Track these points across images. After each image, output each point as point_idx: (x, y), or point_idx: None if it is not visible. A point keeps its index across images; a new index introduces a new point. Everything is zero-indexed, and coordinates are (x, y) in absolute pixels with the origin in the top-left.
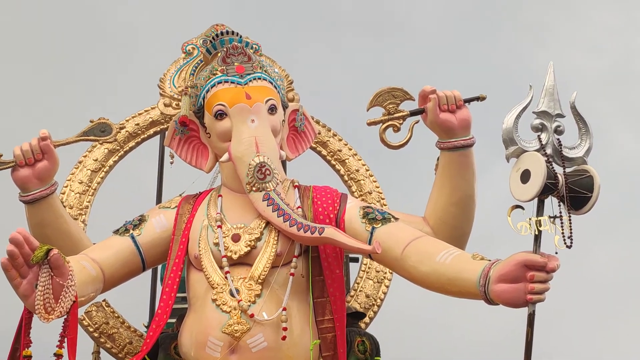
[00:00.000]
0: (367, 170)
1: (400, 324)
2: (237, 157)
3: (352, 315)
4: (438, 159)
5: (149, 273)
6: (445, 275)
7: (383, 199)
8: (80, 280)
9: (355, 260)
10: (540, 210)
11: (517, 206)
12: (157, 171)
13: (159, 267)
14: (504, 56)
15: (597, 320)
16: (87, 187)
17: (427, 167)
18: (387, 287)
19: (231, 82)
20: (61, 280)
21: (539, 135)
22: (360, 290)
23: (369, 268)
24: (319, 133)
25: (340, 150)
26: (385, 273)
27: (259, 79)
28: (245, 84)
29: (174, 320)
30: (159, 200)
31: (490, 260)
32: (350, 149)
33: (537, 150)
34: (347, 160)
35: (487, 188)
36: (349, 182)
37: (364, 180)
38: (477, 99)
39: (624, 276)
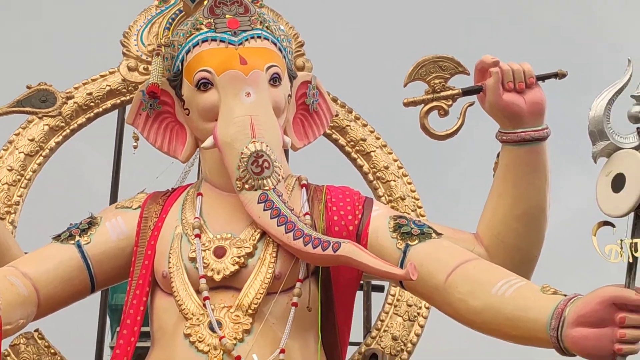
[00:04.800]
0: (400, 167)
1: None
2: (226, 143)
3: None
4: (498, 156)
5: (97, 295)
6: (503, 313)
7: (420, 207)
8: (7, 301)
9: (380, 289)
10: (637, 230)
11: (607, 222)
12: (112, 158)
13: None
14: (591, 20)
15: None
16: (18, 177)
17: (482, 166)
18: (422, 327)
19: (220, 41)
20: None
21: (638, 128)
22: (385, 331)
23: (397, 301)
24: (337, 115)
25: (364, 140)
26: (420, 308)
27: (259, 37)
28: (239, 44)
29: None
30: (114, 197)
31: (566, 296)
32: (378, 139)
33: (636, 148)
34: (373, 154)
35: (557, 199)
36: (374, 182)
37: (394, 181)
38: (555, 75)
39: None
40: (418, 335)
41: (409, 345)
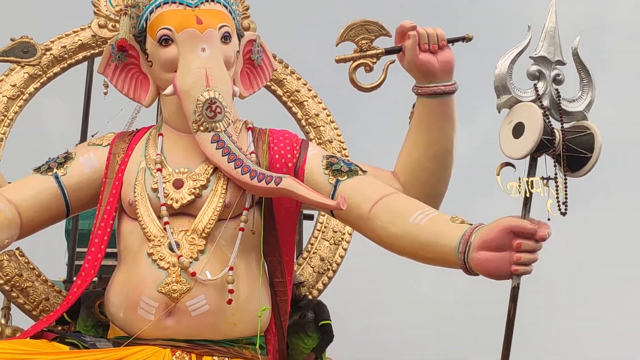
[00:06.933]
0: (328, 115)
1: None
2: (184, 91)
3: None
4: (414, 106)
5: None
6: (418, 238)
7: (345, 149)
8: None
9: (310, 217)
10: (532, 170)
11: (508, 164)
12: (82, 103)
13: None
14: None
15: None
16: (2, 117)
17: (400, 114)
18: (345, 250)
19: (179, 4)
20: None
21: (535, 84)
22: (314, 252)
23: (325, 227)
24: (276, 69)
25: (298, 91)
26: (344, 234)
27: (212, 1)
28: (195, 7)
29: (95, 278)
30: (83, 136)
31: (471, 225)
32: (310, 90)
33: (533, 101)
34: (305, 103)
35: (470, 141)
36: (306, 127)
37: (324, 126)
38: (463, 39)
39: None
40: (342, 257)
41: (334, 265)
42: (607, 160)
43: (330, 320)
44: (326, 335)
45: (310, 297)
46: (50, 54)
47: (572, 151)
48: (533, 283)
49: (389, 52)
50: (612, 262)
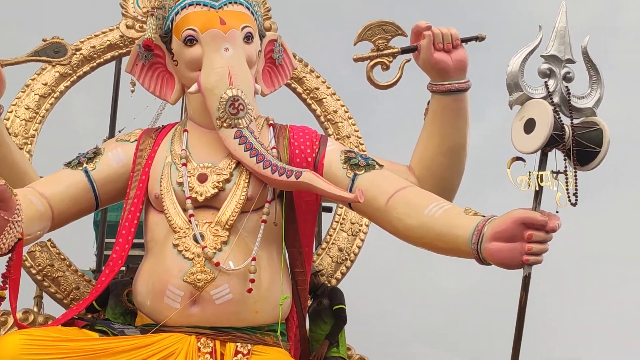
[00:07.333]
0: (346, 112)
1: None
2: (208, 89)
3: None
4: (428, 103)
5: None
6: (434, 229)
7: (362, 144)
8: (27, 216)
9: (328, 209)
10: (542, 164)
11: (518, 158)
12: (110, 100)
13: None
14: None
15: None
16: (34, 114)
17: (416, 111)
18: (363, 240)
19: (204, 5)
20: (6, 214)
21: (546, 82)
22: (332, 243)
23: (343, 219)
24: (295, 68)
25: (317, 89)
26: (361, 225)
27: (235, 2)
28: (219, 8)
29: (123, 268)
30: (112, 132)
31: (484, 216)
32: (329, 88)
33: (544, 98)
34: (324, 100)
35: (482, 136)
36: (325, 123)
37: (342, 122)
38: (476, 38)
39: None
40: (359, 247)
41: (352, 255)
42: (611, 156)
43: (344, 305)
44: (338, 319)
45: (328, 285)
46: (80, 53)
47: (582, 146)
48: (542, 272)
49: (404, 51)
50: (616, 256)
